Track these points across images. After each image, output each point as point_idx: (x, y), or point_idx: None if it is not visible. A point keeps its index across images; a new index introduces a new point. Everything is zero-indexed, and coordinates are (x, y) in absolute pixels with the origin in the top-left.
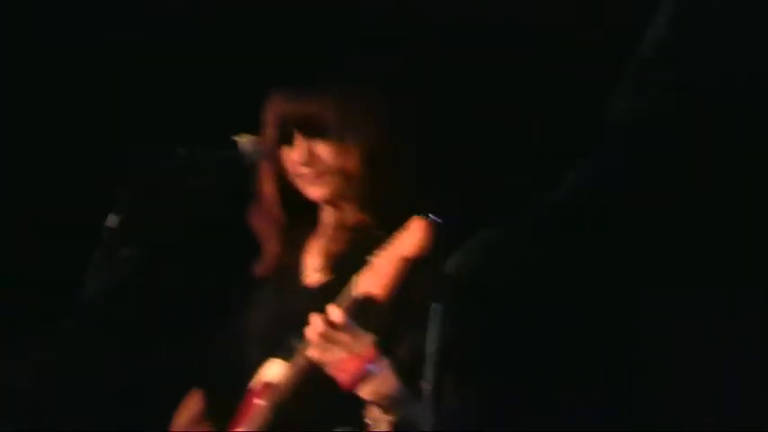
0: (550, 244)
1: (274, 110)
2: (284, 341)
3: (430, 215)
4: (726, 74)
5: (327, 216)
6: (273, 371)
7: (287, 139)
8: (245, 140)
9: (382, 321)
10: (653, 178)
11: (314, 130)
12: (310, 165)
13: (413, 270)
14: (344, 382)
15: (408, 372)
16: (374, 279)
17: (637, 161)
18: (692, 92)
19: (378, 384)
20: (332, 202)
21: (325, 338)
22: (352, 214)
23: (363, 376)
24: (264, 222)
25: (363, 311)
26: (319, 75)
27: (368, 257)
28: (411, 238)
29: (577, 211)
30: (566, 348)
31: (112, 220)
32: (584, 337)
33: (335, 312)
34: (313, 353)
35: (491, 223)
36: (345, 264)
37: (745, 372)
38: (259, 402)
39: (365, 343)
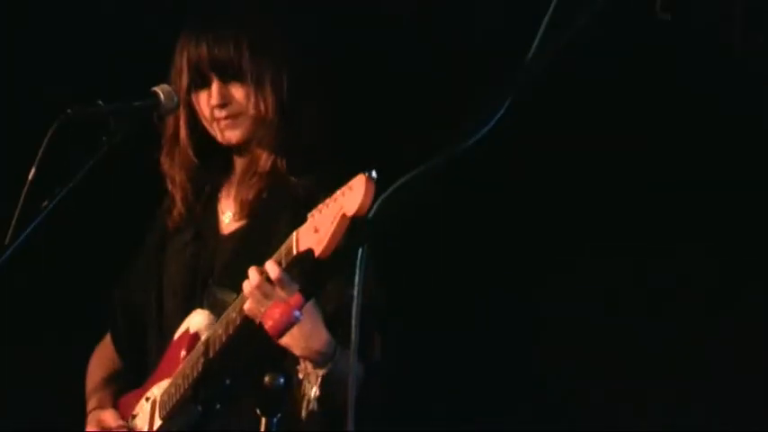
0: (462, 190)
1: (187, 54)
2: (207, 290)
3: (372, 173)
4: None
5: (240, 163)
6: (198, 321)
7: (202, 83)
8: (162, 90)
9: (316, 276)
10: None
11: (231, 73)
12: (226, 107)
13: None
14: (271, 329)
15: (337, 324)
16: (315, 236)
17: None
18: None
19: (308, 339)
20: (246, 146)
21: (262, 293)
22: (264, 160)
23: (290, 323)
24: (176, 167)
25: (300, 267)
26: (231, 17)
27: (307, 213)
28: (355, 196)
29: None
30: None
31: (32, 173)
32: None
33: (273, 269)
34: (248, 306)
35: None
36: (260, 210)
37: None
38: (186, 354)
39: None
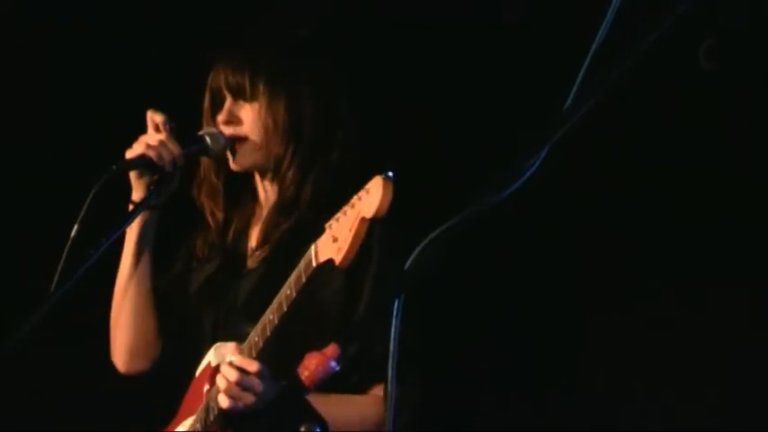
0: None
1: (211, 80)
2: (228, 321)
3: (389, 173)
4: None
5: (266, 196)
6: (220, 353)
7: (219, 106)
8: (208, 133)
9: (338, 289)
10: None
11: (242, 94)
12: (232, 125)
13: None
14: (307, 379)
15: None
16: (335, 245)
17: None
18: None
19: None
20: (268, 179)
21: (242, 387)
22: (289, 194)
23: (327, 373)
24: (207, 197)
25: (321, 279)
26: (253, 48)
27: (325, 225)
28: (372, 198)
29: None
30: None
31: (75, 230)
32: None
33: (251, 364)
34: (226, 404)
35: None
36: (284, 245)
37: None
38: (210, 387)
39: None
